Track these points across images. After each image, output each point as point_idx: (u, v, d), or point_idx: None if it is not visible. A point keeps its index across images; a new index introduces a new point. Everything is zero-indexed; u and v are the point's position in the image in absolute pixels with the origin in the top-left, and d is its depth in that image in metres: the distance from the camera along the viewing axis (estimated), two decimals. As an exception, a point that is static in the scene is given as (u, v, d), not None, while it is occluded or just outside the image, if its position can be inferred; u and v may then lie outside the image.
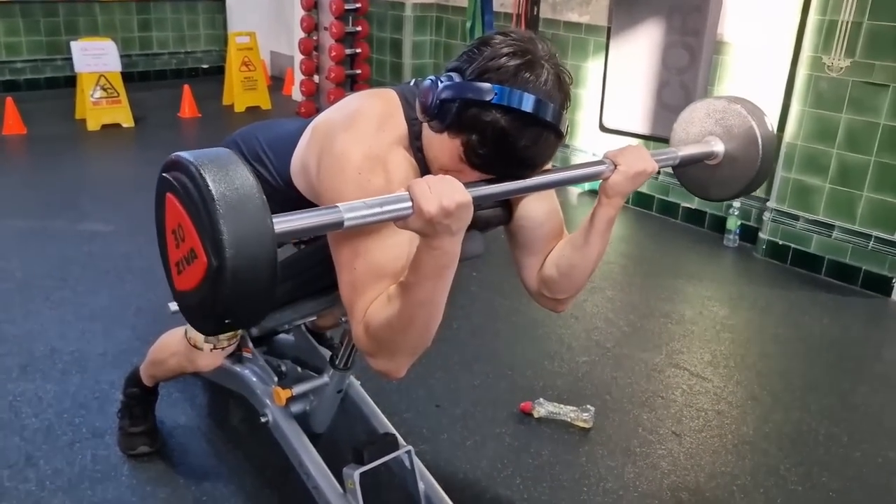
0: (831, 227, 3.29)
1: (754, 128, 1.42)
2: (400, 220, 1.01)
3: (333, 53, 4.78)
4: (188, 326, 1.70)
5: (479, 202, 1.09)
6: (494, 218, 1.36)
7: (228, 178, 0.86)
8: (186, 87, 5.70)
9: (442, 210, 0.98)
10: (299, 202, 1.36)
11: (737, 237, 3.68)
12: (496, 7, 4.60)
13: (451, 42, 5.20)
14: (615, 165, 1.27)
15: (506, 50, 1.09)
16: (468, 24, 4.70)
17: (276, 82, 6.78)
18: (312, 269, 1.53)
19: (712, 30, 3.55)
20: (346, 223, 0.94)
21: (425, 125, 1.19)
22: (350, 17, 4.81)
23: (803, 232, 3.38)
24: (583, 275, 1.36)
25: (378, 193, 1.12)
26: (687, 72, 3.59)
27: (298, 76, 5.76)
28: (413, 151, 1.24)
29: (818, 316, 3.01)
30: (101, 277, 2.99)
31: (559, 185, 1.25)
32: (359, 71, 4.99)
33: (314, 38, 5.02)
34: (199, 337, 1.68)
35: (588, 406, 2.25)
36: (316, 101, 5.16)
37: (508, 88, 1.06)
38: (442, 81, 1.11)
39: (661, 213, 4.07)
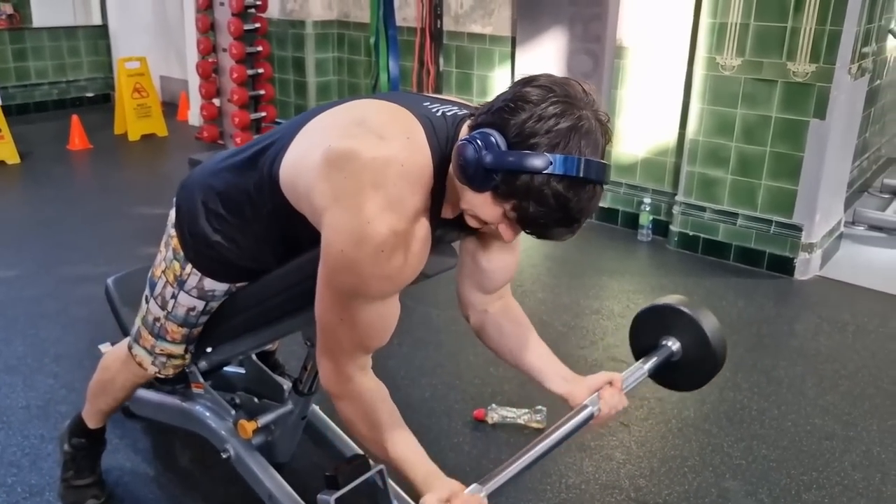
0: (735, 215, 3.51)
1: (696, 320, 1.52)
2: None
3: (235, 75, 4.66)
4: (135, 344, 1.64)
5: (495, 485, 1.23)
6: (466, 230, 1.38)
7: None
8: (75, 118, 5.40)
9: None
10: (285, 209, 1.29)
11: (650, 231, 3.86)
12: (399, 21, 4.63)
13: (354, 58, 5.19)
14: (599, 409, 1.40)
15: (551, 110, 1.03)
16: (371, 40, 4.70)
17: (169, 108, 6.52)
18: (272, 300, 1.48)
19: (612, 36, 3.72)
20: None
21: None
22: (250, 38, 4.71)
23: (710, 222, 3.59)
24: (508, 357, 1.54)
25: (395, 274, 1.15)
26: (591, 77, 3.74)
27: (196, 100, 5.58)
28: (432, 201, 1.18)
29: (733, 300, 3.20)
30: (11, 325, 2.78)
31: (559, 444, 1.35)
32: (262, 91, 4.89)
33: (212, 60, 4.88)
34: (146, 359, 1.62)
35: (539, 407, 2.29)
36: (219, 125, 5.01)
37: (563, 157, 1.02)
38: (479, 141, 1.04)
39: (575, 213, 4.20)
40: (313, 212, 1.20)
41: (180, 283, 1.49)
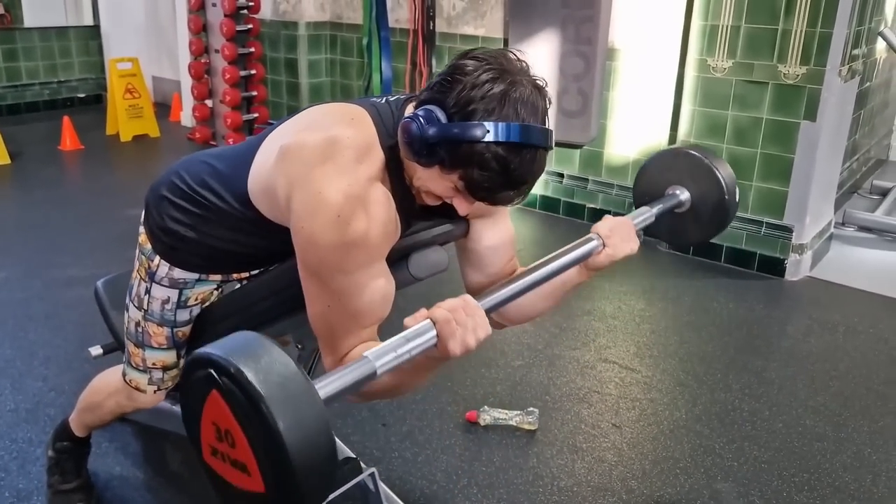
0: (727, 216, 3.52)
1: (715, 171, 1.48)
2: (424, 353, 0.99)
3: (227, 76, 4.65)
4: (127, 367, 1.60)
5: (490, 309, 1.11)
6: (457, 229, 1.38)
7: (293, 408, 0.80)
8: (66, 118, 5.37)
9: (466, 350, 1.00)
10: (258, 222, 1.31)
11: (641, 232, 3.86)
12: (391, 23, 4.64)
13: (346, 59, 5.19)
14: (603, 245, 1.29)
15: (484, 76, 1.07)
16: (364, 41, 4.71)
17: (162, 108, 6.50)
18: (261, 303, 1.48)
19: (604, 38, 3.72)
20: (380, 371, 0.93)
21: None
22: (242, 39, 4.70)
23: (702, 223, 3.59)
24: (537, 314, 1.45)
25: (358, 239, 1.13)
26: (584, 79, 3.74)
27: (188, 101, 5.57)
28: (391, 179, 1.20)
29: (724, 301, 3.21)
30: (0, 328, 2.76)
31: (560, 272, 1.24)
32: (255, 93, 4.89)
33: (204, 61, 4.87)
34: (141, 379, 1.58)
35: (531, 408, 2.29)
36: (211, 126, 5.00)
37: (500, 123, 1.06)
38: (421, 118, 1.08)
39: (567, 215, 4.21)
40: (283, 212, 1.22)
41: (150, 274, 1.49)
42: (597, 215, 4.05)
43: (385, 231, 1.18)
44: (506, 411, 2.29)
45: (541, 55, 3.91)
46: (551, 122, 1.17)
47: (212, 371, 0.82)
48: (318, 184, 1.13)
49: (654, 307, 3.17)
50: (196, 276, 1.48)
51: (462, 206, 1.18)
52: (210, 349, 0.83)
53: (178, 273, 1.47)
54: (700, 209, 1.51)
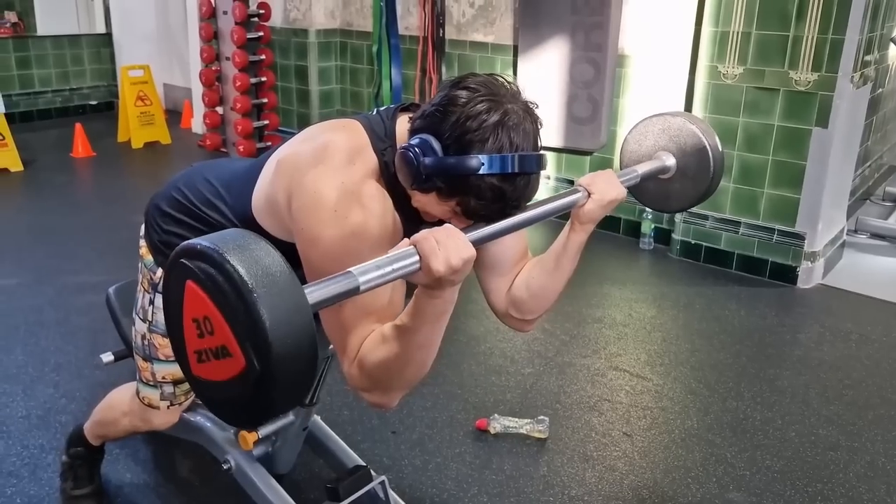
0: (738, 223, 3.51)
1: (704, 142, 1.49)
2: (408, 276, 0.99)
3: (238, 83, 4.68)
4: (139, 384, 1.61)
5: (476, 241, 1.10)
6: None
7: (263, 267, 0.78)
8: (78, 126, 5.41)
9: (450, 269, 0.98)
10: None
11: (652, 240, 3.86)
12: (401, 30, 4.65)
13: (356, 67, 5.20)
14: (588, 194, 1.29)
15: (479, 107, 1.08)
16: (374, 48, 4.73)
17: (173, 116, 6.54)
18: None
19: (614, 44, 3.72)
20: (363, 287, 0.91)
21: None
22: (253, 46, 4.73)
23: (713, 230, 3.58)
24: (553, 295, 1.39)
25: (357, 230, 1.15)
26: (593, 85, 3.74)
27: (199, 108, 5.60)
28: (385, 183, 1.22)
29: (735, 309, 3.19)
30: (11, 334, 2.77)
31: (542, 219, 1.25)
32: (265, 100, 4.91)
33: (215, 68, 4.90)
34: (153, 395, 1.58)
35: (541, 417, 2.28)
36: (222, 133, 5.03)
37: (495, 156, 1.08)
38: (417, 148, 1.10)
39: (577, 222, 4.19)
40: (286, 224, 1.24)
41: (154, 286, 1.51)
42: (608, 223, 4.05)
43: (383, 223, 1.19)
44: (516, 419, 2.28)
45: (551, 62, 3.92)
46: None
47: (183, 260, 0.82)
48: (314, 184, 1.16)
49: (664, 315, 3.15)
50: None
51: (460, 225, 1.17)
52: (208, 243, 0.81)
53: None
54: (685, 176, 1.50)
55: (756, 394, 2.53)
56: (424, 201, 1.17)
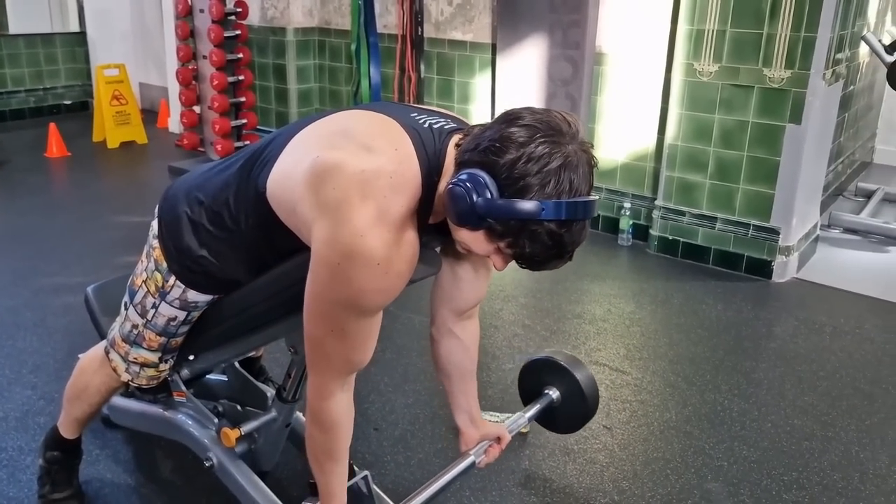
0: (714, 219, 3.55)
1: (575, 375, 1.86)
2: None
3: (215, 82, 4.64)
4: (109, 347, 1.63)
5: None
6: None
7: None
8: (52, 126, 5.34)
9: None
10: (268, 221, 1.29)
11: (630, 236, 3.90)
12: (380, 28, 4.65)
13: (335, 65, 5.19)
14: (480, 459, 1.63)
15: (539, 150, 1.04)
16: (353, 47, 4.72)
17: (149, 115, 6.48)
18: (256, 307, 1.47)
19: (591, 42, 3.75)
20: None
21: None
22: (230, 45, 4.69)
23: (690, 226, 3.63)
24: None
25: (391, 285, 1.15)
26: (572, 83, 3.77)
27: (176, 107, 5.55)
28: (420, 210, 1.18)
29: (712, 303, 3.24)
30: (-13, 336, 2.74)
31: (441, 492, 1.59)
32: (243, 99, 4.87)
33: (192, 67, 4.86)
34: (120, 365, 1.61)
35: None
36: (199, 132, 4.98)
37: (556, 202, 1.04)
38: (469, 185, 1.06)
39: (557, 219, 4.23)
40: (302, 224, 1.21)
41: (162, 294, 1.48)
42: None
43: (409, 274, 1.18)
44: (497, 414, 2.30)
45: (529, 60, 3.94)
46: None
47: None
48: (359, 226, 1.09)
49: (643, 310, 3.19)
50: (209, 297, 1.49)
51: (500, 264, 1.17)
52: None
53: (193, 295, 1.47)
54: (567, 405, 1.88)
55: (733, 386, 2.57)
56: (469, 238, 1.14)
